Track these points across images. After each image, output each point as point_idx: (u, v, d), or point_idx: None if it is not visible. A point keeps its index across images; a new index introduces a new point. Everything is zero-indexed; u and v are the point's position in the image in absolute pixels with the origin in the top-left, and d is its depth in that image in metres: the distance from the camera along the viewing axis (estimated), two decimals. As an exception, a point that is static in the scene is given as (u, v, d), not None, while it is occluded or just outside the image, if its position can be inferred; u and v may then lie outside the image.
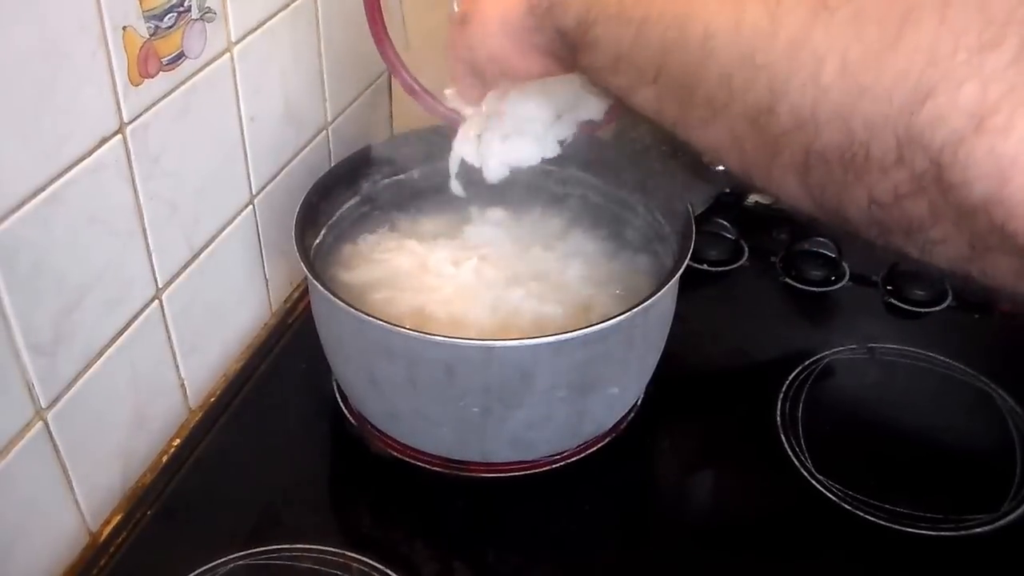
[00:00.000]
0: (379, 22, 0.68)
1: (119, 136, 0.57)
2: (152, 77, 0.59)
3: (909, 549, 0.63)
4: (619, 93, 0.45)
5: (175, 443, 0.70)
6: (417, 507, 0.67)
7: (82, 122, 0.54)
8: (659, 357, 0.69)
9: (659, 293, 0.61)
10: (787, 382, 0.75)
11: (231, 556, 0.61)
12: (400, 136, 0.79)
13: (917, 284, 0.85)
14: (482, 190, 0.69)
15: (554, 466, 0.68)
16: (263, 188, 0.76)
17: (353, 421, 0.72)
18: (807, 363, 0.77)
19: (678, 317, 0.69)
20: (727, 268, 0.89)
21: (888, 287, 0.86)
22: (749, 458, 0.71)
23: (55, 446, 0.58)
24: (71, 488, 0.60)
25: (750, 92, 0.37)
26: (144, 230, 0.62)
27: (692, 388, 0.77)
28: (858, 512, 0.65)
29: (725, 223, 0.90)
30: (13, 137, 0.49)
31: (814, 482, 0.67)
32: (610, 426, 0.70)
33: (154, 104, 0.60)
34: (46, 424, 0.57)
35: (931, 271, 0.36)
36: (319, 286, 0.61)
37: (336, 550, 0.61)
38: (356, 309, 0.59)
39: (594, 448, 0.70)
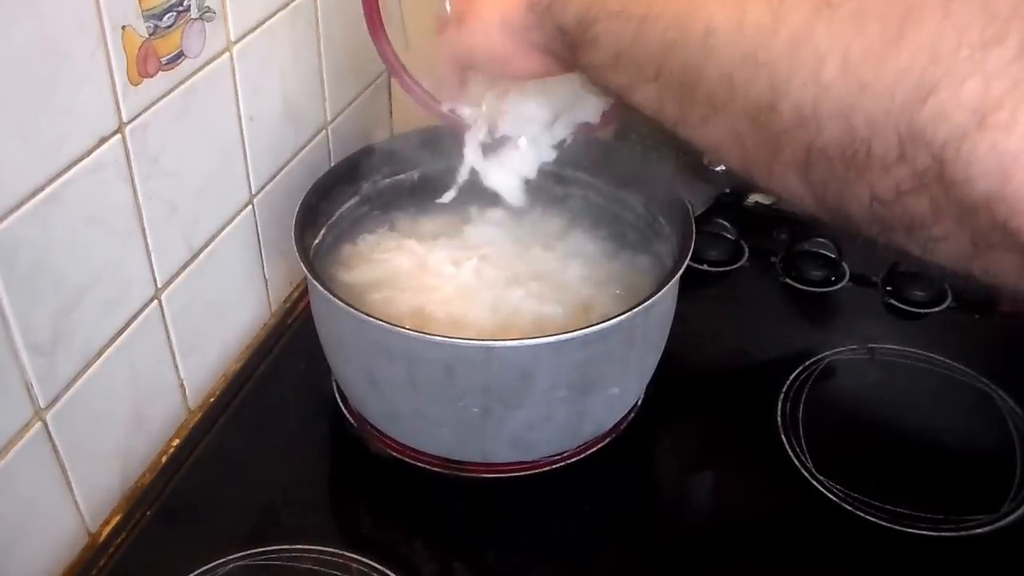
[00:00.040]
0: (377, 22, 0.68)
1: (118, 136, 0.57)
2: (151, 77, 0.59)
3: (909, 549, 0.63)
4: (619, 91, 0.45)
5: (174, 443, 0.70)
6: (417, 507, 0.66)
7: (81, 122, 0.54)
8: (659, 357, 0.69)
9: (659, 293, 0.61)
10: (787, 382, 0.75)
11: (230, 557, 0.60)
12: (400, 136, 0.79)
13: (917, 285, 0.85)
14: (482, 190, 0.69)
15: (554, 466, 0.68)
16: (262, 188, 0.76)
17: (353, 421, 0.72)
18: (807, 363, 0.77)
19: (678, 317, 0.69)
20: (727, 268, 0.89)
21: (888, 288, 0.86)
22: (749, 458, 0.71)
23: (54, 446, 0.58)
24: (70, 488, 0.60)
25: (751, 90, 0.37)
26: (143, 230, 0.62)
27: (692, 388, 0.77)
28: (858, 512, 0.65)
29: (725, 223, 0.90)
30: (12, 137, 0.49)
31: (815, 482, 0.67)
32: (610, 426, 0.70)
33: (153, 104, 0.60)
34: (45, 424, 0.56)
35: (932, 270, 0.36)
36: (319, 286, 0.61)
37: (336, 550, 0.61)
38: (356, 309, 0.59)
39: (594, 448, 0.70)
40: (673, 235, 0.69)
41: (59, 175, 0.53)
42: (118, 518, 0.64)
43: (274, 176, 0.78)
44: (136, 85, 0.57)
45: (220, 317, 0.75)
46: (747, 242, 0.90)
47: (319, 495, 0.69)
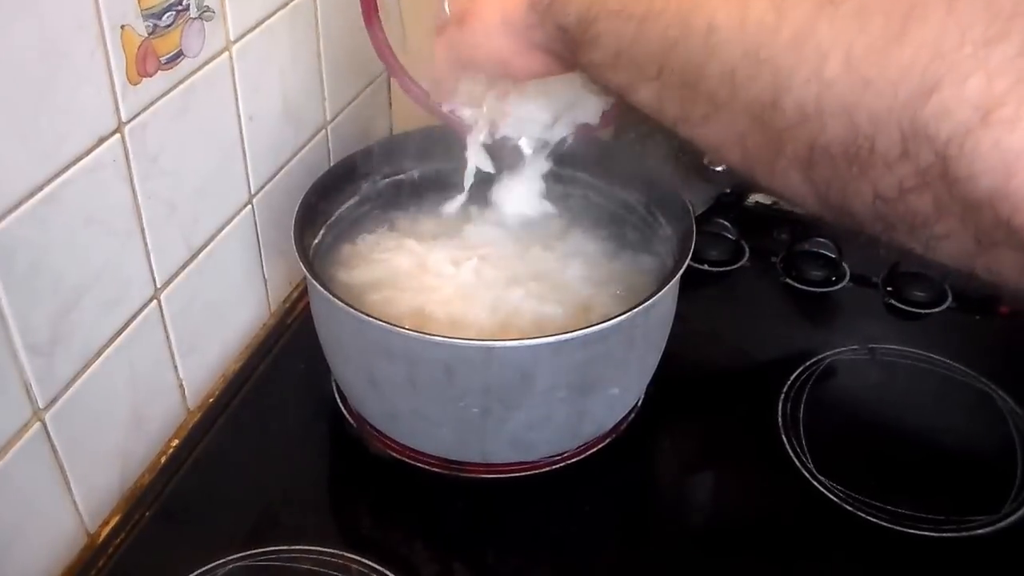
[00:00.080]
0: (376, 23, 0.68)
1: (117, 135, 0.57)
2: (150, 76, 0.59)
3: (910, 550, 0.63)
4: (620, 91, 0.45)
5: (173, 444, 0.70)
6: (416, 508, 0.66)
7: (80, 121, 0.54)
8: (659, 357, 0.69)
9: (660, 293, 0.61)
10: (788, 383, 0.75)
11: (230, 557, 0.60)
12: (400, 136, 0.79)
13: (917, 285, 0.85)
14: (482, 190, 0.69)
15: (554, 467, 0.68)
16: (262, 188, 0.76)
17: (352, 422, 0.72)
18: (808, 363, 0.77)
19: (679, 317, 0.69)
20: (728, 268, 0.89)
21: (888, 288, 0.86)
22: (750, 459, 0.71)
23: (53, 447, 0.58)
24: (69, 489, 0.60)
25: (753, 87, 0.36)
26: (142, 230, 0.62)
27: (693, 388, 0.77)
28: (859, 513, 0.65)
29: (726, 223, 0.90)
30: (11, 136, 0.49)
31: (815, 483, 0.67)
32: (610, 427, 0.70)
33: (152, 103, 0.60)
34: (44, 425, 0.56)
35: (934, 269, 0.36)
36: (318, 286, 0.61)
37: (335, 551, 0.61)
38: (355, 309, 0.59)
39: (594, 449, 0.70)
40: (673, 235, 0.69)
41: (58, 175, 0.53)
42: (117, 518, 0.64)
43: (273, 176, 0.77)
44: (135, 85, 0.57)
45: (219, 317, 0.74)
46: (747, 242, 0.90)
47: (319, 495, 0.69)
